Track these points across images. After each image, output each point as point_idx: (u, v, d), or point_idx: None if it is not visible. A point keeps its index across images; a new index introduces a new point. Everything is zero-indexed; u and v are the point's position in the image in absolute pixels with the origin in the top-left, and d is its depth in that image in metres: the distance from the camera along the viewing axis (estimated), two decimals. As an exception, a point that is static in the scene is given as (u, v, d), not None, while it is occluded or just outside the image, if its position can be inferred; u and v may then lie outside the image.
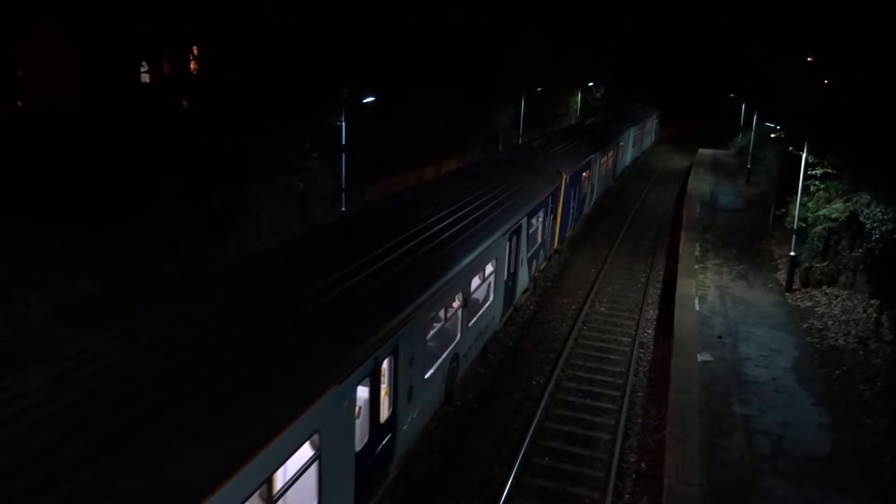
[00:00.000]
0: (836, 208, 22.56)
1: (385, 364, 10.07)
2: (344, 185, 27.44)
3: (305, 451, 7.64)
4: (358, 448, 9.30)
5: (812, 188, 24.44)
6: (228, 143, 25.08)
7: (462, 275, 13.13)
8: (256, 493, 6.59)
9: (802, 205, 23.76)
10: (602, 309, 22.20)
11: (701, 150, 66.28)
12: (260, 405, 6.94)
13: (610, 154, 38.55)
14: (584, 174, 28.92)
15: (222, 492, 5.95)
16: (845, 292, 21.34)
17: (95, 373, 6.71)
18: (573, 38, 68.73)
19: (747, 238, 30.50)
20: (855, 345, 18.11)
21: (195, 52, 29.21)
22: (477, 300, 14.98)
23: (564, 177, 24.33)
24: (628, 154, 50.63)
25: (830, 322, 19.82)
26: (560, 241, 26.21)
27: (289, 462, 7.23)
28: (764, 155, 41.70)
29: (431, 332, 12.19)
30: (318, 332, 8.53)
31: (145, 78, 30.28)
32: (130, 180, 21.29)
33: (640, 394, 16.53)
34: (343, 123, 26.53)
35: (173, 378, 6.81)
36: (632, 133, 51.20)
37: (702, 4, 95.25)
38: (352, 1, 31.22)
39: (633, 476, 13.12)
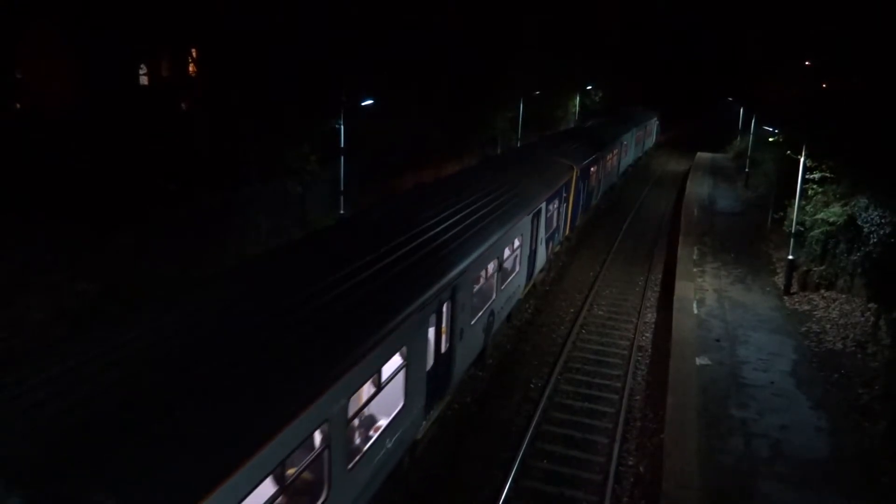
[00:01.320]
0: (834, 212, 22.59)
1: (445, 307, 12.60)
2: (342, 188, 27.45)
3: (397, 360, 10.41)
4: (427, 368, 12.02)
5: (810, 192, 24.48)
6: (227, 145, 25.08)
7: (498, 244, 15.66)
8: (370, 379, 9.38)
9: (800, 208, 23.80)
10: (600, 312, 22.20)
11: (699, 154, 66.39)
12: (371, 323, 9.47)
13: (615, 152, 41.08)
14: (592, 169, 31.50)
15: (359, 368, 8.70)
16: (843, 296, 21.38)
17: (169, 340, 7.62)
18: (573, 41, 68.80)
19: (745, 241, 30.54)
20: (853, 348, 18.13)
21: (194, 54, 29.22)
22: (507, 268, 17.47)
23: (575, 170, 26.52)
24: (631, 153, 53.12)
25: (828, 326, 19.85)
26: (571, 229, 28.43)
27: (387, 364, 9.90)
28: (762, 158, 41.87)
29: (476, 288, 14.67)
30: (399, 279, 11.02)
31: (144, 80, 30.27)
32: (129, 182, 21.28)
33: (638, 397, 16.53)
34: (342, 126, 26.54)
35: (294, 308, 8.90)
36: (634, 134, 53.36)
37: (701, 6, 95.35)
38: (351, 2, 31.26)
39: (632, 479, 13.12)
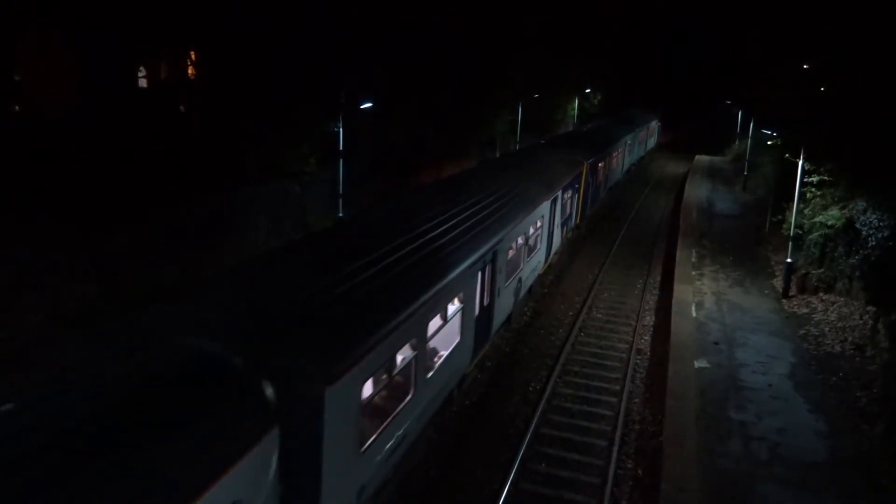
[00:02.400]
0: (833, 215, 22.62)
1: (487, 267, 15.03)
2: (342, 190, 27.44)
3: (456, 304, 13.00)
4: (475, 315, 14.45)
5: (808, 195, 24.52)
6: (226, 146, 25.07)
7: (525, 222, 18.35)
8: (440, 313, 11.88)
9: (799, 211, 23.83)
10: (599, 315, 22.21)
11: (698, 157, 66.49)
12: (442, 272, 11.90)
13: (619, 151, 44.35)
14: (599, 165, 34.70)
15: (433, 301, 11.26)
16: (842, 299, 21.39)
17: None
18: (572, 41, 68.88)
19: (744, 244, 30.58)
20: (851, 351, 18.15)
21: (193, 56, 29.21)
22: (531, 245, 19.94)
23: (585, 166, 29.48)
24: (635, 152, 56.46)
25: (827, 328, 19.86)
26: (581, 219, 31.36)
27: (451, 304, 12.60)
28: (760, 161, 41.94)
29: (509, 256, 17.09)
30: (456, 242, 13.35)
31: (143, 83, 30.26)
32: (128, 183, 21.26)
33: (636, 400, 16.53)
34: (341, 128, 26.55)
35: (390, 263, 11.10)
36: (637, 134, 56.31)
37: (701, 6, 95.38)
38: (351, 2, 31.27)
39: (630, 482, 13.11)
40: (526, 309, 21.69)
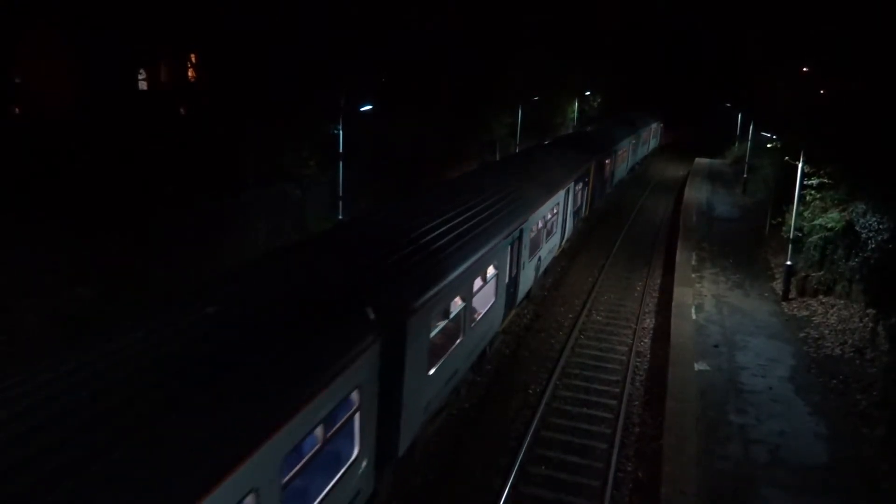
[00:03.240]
0: (832, 218, 22.63)
1: (516, 242, 17.54)
2: (341, 193, 27.44)
3: (492, 270, 15.64)
4: (506, 281, 17.11)
5: (808, 197, 24.52)
6: (226, 149, 25.08)
7: (545, 207, 20.89)
8: (481, 274, 14.64)
9: (798, 214, 23.83)
10: (599, 318, 22.19)
11: (697, 160, 66.52)
12: (483, 242, 14.33)
13: (624, 150, 47.93)
14: (606, 161, 38.28)
15: (478, 263, 13.88)
16: (841, 302, 21.38)
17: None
18: (572, 41, 68.98)
19: (744, 247, 30.58)
20: (851, 354, 18.13)
21: (193, 59, 29.25)
22: (549, 228, 22.50)
23: (593, 163, 32.54)
24: (639, 152, 60.77)
25: (827, 331, 19.85)
26: (590, 210, 34.31)
27: (489, 269, 15.26)
28: (760, 164, 41.93)
29: (532, 236, 19.51)
30: (493, 218, 15.77)
31: (143, 86, 30.28)
32: (128, 185, 21.27)
33: (636, 403, 16.51)
34: (340, 131, 26.55)
35: (441, 233, 13.28)
36: (640, 135, 60.27)
37: (701, 6, 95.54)
38: (351, 2, 31.30)
39: (630, 485, 13.09)
40: (526, 311, 21.68)
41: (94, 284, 18.64)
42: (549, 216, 22.08)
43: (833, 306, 21.38)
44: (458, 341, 13.54)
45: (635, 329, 21.12)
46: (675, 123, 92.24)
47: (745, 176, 47.99)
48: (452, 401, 14.98)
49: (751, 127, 48.49)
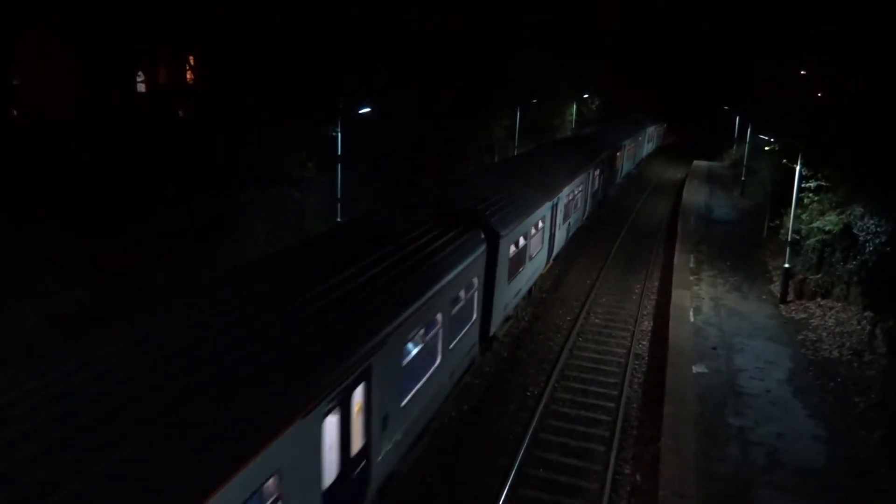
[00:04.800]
0: (830, 220, 22.66)
1: (554, 207, 22.52)
2: (340, 195, 27.42)
3: (541, 224, 20.36)
4: (548, 236, 22.29)
5: (806, 200, 24.56)
6: (224, 151, 25.07)
7: (573, 184, 26.39)
8: (537, 223, 19.91)
9: (796, 217, 23.86)
10: (597, 320, 22.20)
11: (695, 162, 66.60)
12: (535, 202, 19.65)
13: (632, 145, 55.06)
14: (617, 154, 44.20)
15: (535, 216, 19.39)
16: (839, 304, 21.42)
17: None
18: (572, 42, 69.07)
19: (742, 250, 30.62)
20: (849, 357, 18.15)
21: (192, 61, 29.24)
22: (576, 202, 27.97)
23: (606, 153, 37.75)
24: (645, 148, 68.03)
25: (825, 334, 19.87)
26: (604, 194, 39.64)
27: (539, 222, 20.01)
28: (758, 167, 41.99)
29: (564, 204, 24.74)
30: (537, 186, 21.01)
31: (142, 88, 30.25)
32: (126, 187, 21.25)
33: (634, 405, 16.51)
34: (339, 133, 26.54)
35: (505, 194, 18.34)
36: (647, 133, 68.13)
37: (700, 7, 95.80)
38: (351, 2, 31.30)
39: (628, 488, 13.08)
40: (524, 314, 21.69)
41: (91, 286, 18.61)
42: (576, 192, 27.72)
43: (831, 309, 21.41)
44: (522, 269, 18.70)
45: (633, 331, 21.12)
46: (673, 125, 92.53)
47: (743, 178, 48.06)
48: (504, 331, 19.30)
49: (749, 129, 48.56)
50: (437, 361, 12.31)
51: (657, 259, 30.91)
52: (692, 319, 20.83)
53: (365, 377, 8.78)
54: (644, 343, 20.55)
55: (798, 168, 23.20)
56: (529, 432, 14.51)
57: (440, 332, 12.21)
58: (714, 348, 18.66)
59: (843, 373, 17.30)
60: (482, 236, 14.65)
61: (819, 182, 23.96)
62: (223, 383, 6.70)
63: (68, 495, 5.03)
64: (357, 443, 8.96)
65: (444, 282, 11.91)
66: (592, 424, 15.32)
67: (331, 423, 8.11)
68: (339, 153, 26.82)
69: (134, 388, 6.29)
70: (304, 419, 7.12)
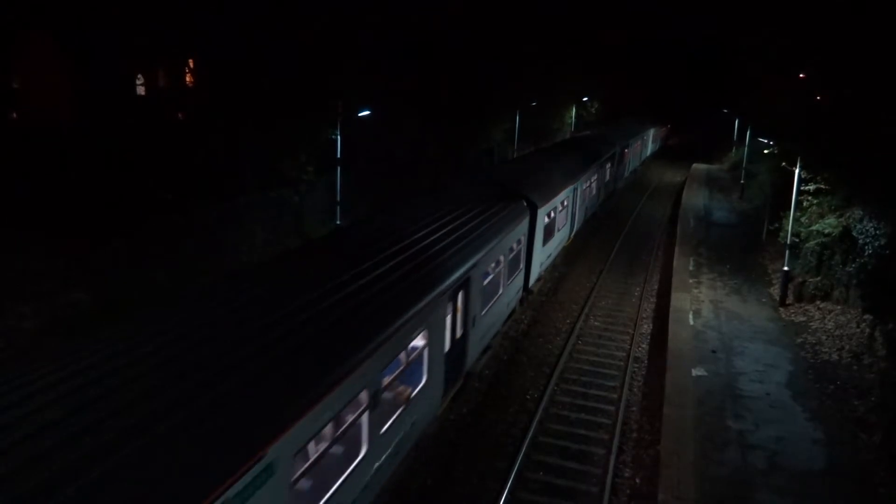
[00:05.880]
0: (829, 223, 22.66)
1: (578, 189, 27.64)
2: (339, 198, 27.43)
3: (566, 202, 25.55)
4: (571, 212, 27.14)
5: (805, 203, 24.56)
6: (224, 155, 25.07)
7: (589, 174, 31.04)
8: (562, 203, 24.61)
9: (795, 220, 23.86)
10: (596, 323, 22.18)
11: (695, 165, 66.63)
12: (565, 182, 25.08)
13: (639, 143, 61.09)
14: (626, 150, 49.76)
15: (557, 199, 23.49)
16: (839, 307, 21.40)
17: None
18: (572, 42, 69.19)
19: (741, 253, 30.62)
20: (849, 360, 18.13)
21: (191, 64, 29.26)
22: (594, 189, 33.37)
23: (617, 148, 43.34)
24: (649, 147, 72.63)
25: (824, 337, 19.86)
26: (616, 185, 45.93)
27: (565, 200, 25.26)
28: (757, 170, 42.01)
29: (587, 187, 30.44)
30: (567, 174, 25.86)
31: (141, 91, 30.27)
32: (124, 191, 21.24)
33: (634, 408, 16.49)
34: (338, 137, 26.55)
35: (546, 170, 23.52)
36: (652, 133, 73.64)
37: (699, 16, 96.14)
38: (349, 8, 31.32)
39: (628, 491, 13.06)
40: (523, 317, 21.68)
41: (90, 289, 18.60)
42: (593, 180, 33.01)
43: (830, 312, 21.40)
44: (551, 238, 23.28)
45: (633, 334, 21.11)
46: (673, 128, 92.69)
47: (742, 181, 48.09)
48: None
49: (748, 133, 48.59)
50: (500, 292, 16.94)
51: (656, 262, 30.91)
52: (692, 322, 20.82)
53: (465, 286, 13.47)
54: (643, 346, 20.54)
55: (797, 171, 23.21)
56: (529, 435, 14.48)
57: (502, 270, 16.83)
58: (713, 351, 18.65)
59: (842, 376, 17.29)
60: (525, 205, 19.07)
61: (818, 185, 23.97)
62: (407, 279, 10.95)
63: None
64: (459, 330, 13.69)
65: (505, 233, 16.67)
66: (592, 428, 15.30)
67: (449, 309, 12.66)
68: (339, 156, 26.82)
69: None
70: (441, 297, 11.83)
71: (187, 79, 30.05)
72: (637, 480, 13.38)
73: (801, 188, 23.80)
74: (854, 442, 14.15)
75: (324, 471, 8.54)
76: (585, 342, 20.43)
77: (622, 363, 18.92)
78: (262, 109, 25.56)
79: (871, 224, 20.09)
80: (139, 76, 29.37)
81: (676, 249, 30.28)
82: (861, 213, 21.04)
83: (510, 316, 19.21)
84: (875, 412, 15.10)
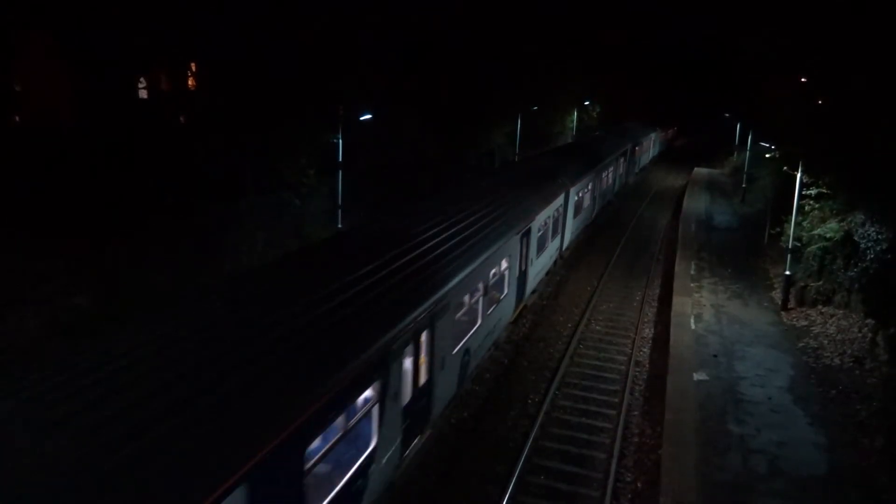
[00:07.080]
0: (831, 228, 22.64)
1: (596, 177, 33.58)
2: (340, 202, 27.42)
3: (589, 188, 31.83)
4: (592, 197, 33.25)
5: (807, 207, 24.54)
6: (225, 158, 25.07)
7: (605, 162, 36.77)
8: (585, 188, 31.21)
9: (797, 224, 23.84)
10: (598, 327, 22.16)
11: (696, 169, 66.62)
12: (586, 171, 31.29)
13: (646, 143, 67.42)
14: (636, 148, 56.88)
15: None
16: (840, 311, 21.36)
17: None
18: (573, 43, 69.28)
19: (743, 257, 30.59)
20: (850, 364, 18.10)
21: (193, 68, 29.27)
22: (607, 181, 38.68)
23: (629, 146, 50.63)
24: (655, 147, 79.44)
25: (826, 341, 19.82)
26: (628, 179, 53.80)
27: (587, 188, 31.59)
28: (759, 174, 42.01)
29: (603, 176, 36.72)
30: (586, 164, 31.89)
31: (144, 94, 30.28)
32: (126, 194, 21.26)
33: (635, 412, 16.46)
34: (339, 140, 26.56)
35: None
36: (657, 134, 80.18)
37: (699, 16, 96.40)
38: (349, 8, 31.35)
39: (629, 496, 13.03)
40: (524, 321, 21.66)
41: (90, 292, 18.60)
42: (610, 171, 38.65)
43: (832, 316, 21.36)
44: (578, 214, 28.25)
45: (634, 339, 21.09)
46: (682, 130, 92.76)
47: (744, 185, 48.07)
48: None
49: (749, 137, 48.59)
50: (548, 246, 22.63)
51: (658, 266, 30.89)
52: (693, 327, 20.79)
53: (526, 235, 18.71)
54: (645, 350, 20.51)
55: (799, 175, 23.19)
56: (530, 440, 14.46)
57: (550, 228, 22.72)
58: (715, 356, 18.62)
59: (844, 380, 17.25)
60: (561, 183, 24.68)
61: (820, 189, 23.94)
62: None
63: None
64: (525, 264, 19.71)
65: (557, 198, 23.36)
66: (593, 432, 15.27)
67: (519, 246, 18.44)
68: (340, 160, 26.83)
69: None
70: (514, 237, 17.50)
71: (189, 82, 30.06)
72: (638, 485, 13.35)
73: (803, 192, 23.78)
74: (856, 447, 14.12)
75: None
76: (587, 346, 20.41)
77: (624, 367, 18.90)
78: (263, 111, 25.55)
79: (872, 228, 20.07)
80: (141, 80, 29.41)
81: (678, 253, 30.26)
82: (863, 217, 21.02)
83: (553, 265, 25.55)
84: (877, 417, 15.06)
